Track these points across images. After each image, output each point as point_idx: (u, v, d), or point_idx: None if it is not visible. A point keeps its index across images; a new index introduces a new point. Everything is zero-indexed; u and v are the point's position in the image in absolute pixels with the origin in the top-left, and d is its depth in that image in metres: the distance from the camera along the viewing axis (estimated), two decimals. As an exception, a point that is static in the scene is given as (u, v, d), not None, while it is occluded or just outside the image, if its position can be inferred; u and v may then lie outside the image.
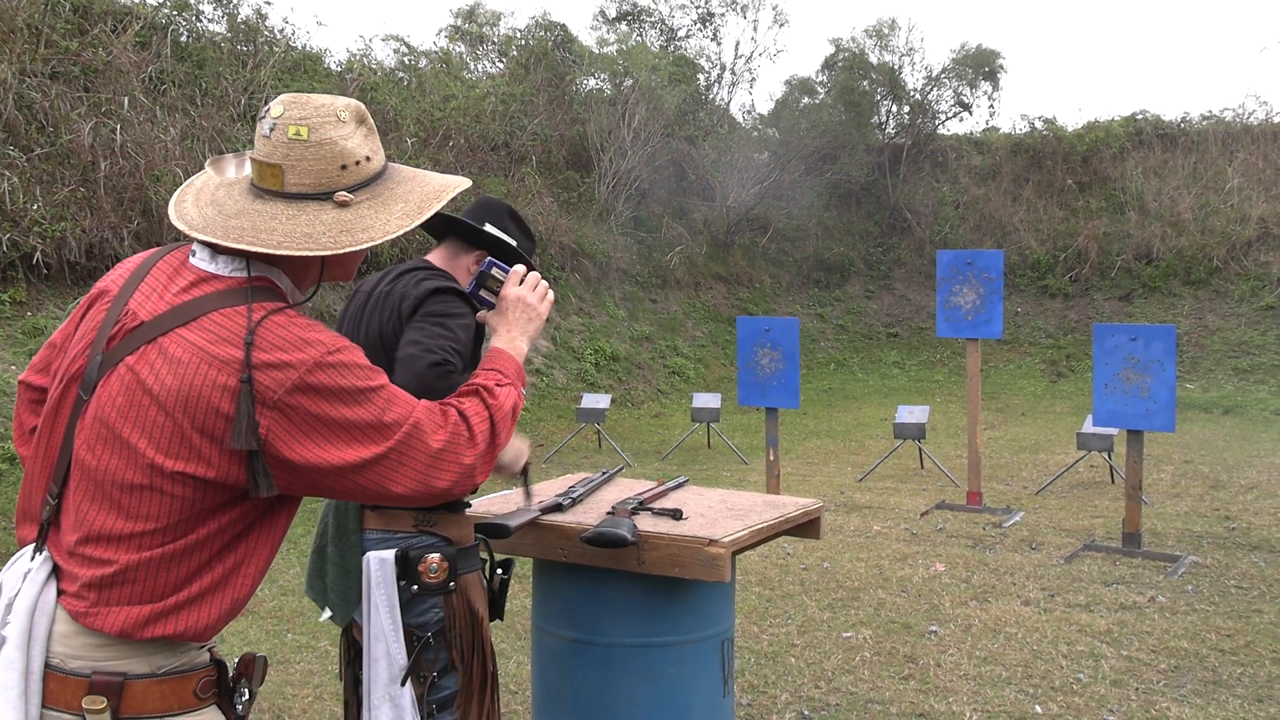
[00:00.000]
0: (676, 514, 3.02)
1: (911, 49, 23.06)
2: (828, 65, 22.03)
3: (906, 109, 22.14)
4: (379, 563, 2.48)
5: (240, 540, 1.60)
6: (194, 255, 1.63)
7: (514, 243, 2.75)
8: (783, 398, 7.57)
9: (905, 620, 5.24)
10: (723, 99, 21.30)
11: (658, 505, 3.15)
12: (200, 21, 11.85)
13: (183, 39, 11.38)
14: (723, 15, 21.21)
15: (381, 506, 2.56)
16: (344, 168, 1.63)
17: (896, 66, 21.83)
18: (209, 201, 1.64)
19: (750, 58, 22.27)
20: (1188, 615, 5.27)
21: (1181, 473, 9.56)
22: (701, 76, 20.80)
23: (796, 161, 20.14)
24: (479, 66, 18.09)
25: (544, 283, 2.04)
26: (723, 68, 21.17)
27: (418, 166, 9.81)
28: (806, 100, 21.31)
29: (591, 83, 18.13)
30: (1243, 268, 17.73)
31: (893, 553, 6.65)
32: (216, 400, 1.50)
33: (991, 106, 24.39)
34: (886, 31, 21.80)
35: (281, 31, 12.82)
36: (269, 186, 1.62)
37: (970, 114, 22.34)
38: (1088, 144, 20.61)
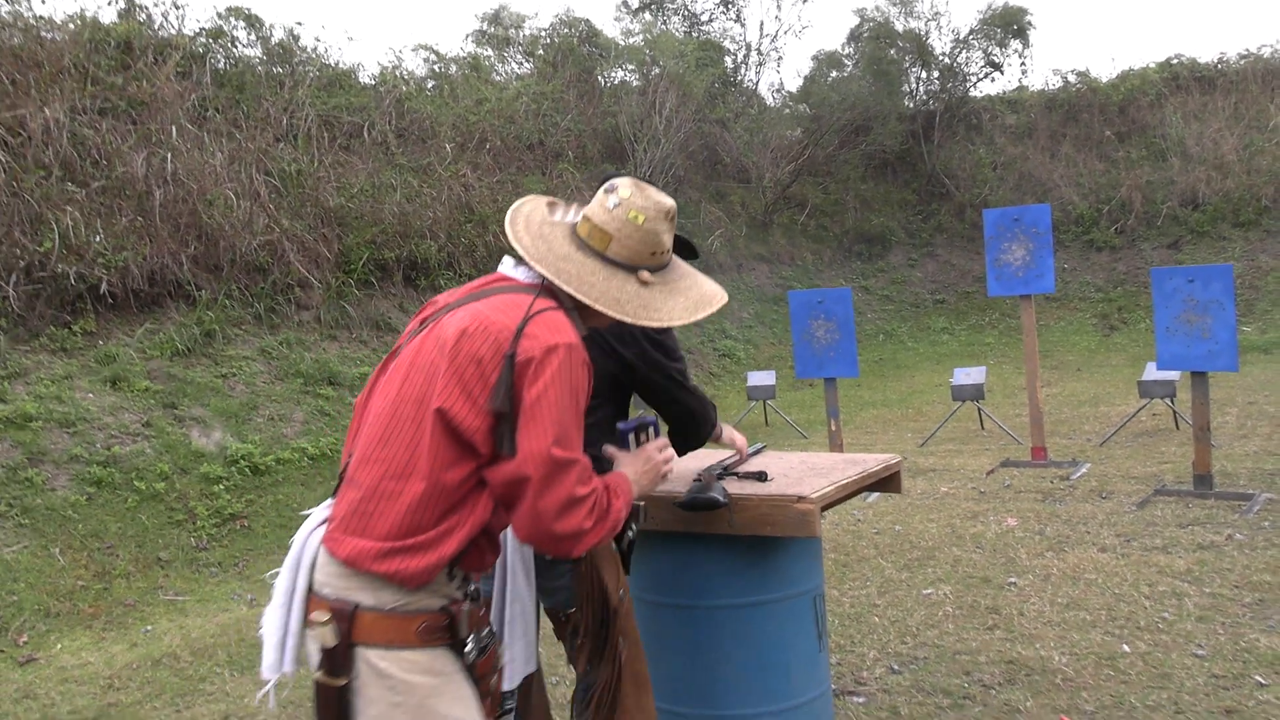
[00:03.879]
0: (761, 476, 3.11)
1: (937, 13, 23.07)
2: (853, 37, 21.92)
3: (936, 74, 21.97)
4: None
5: (458, 508, 1.83)
6: (501, 265, 2.07)
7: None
8: (841, 367, 7.63)
9: (983, 574, 5.30)
10: (751, 80, 21.31)
11: (742, 470, 3.24)
12: (236, 47, 12.09)
13: (220, 66, 11.62)
14: (744, -4, 21.18)
15: None
16: (653, 254, 2.05)
17: (923, 32, 21.67)
18: (539, 235, 2.03)
19: (775, 36, 22.21)
20: (1267, 550, 5.27)
21: (1246, 414, 9.48)
22: (728, 59, 20.80)
23: (830, 136, 20.09)
24: (507, 69, 18.23)
25: (672, 463, 2.32)
26: (748, 48, 21.16)
27: (457, 171, 9.98)
28: (835, 74, 21.20)
29: (619, 74, 18.21)
30: (1293, 205, 17.44)
31: (963, 511, 6.69)
32: (487, 355, 1.81)
33: (1023, 64, 24.18)
34: (910, -2, 21.64)
35: (314, 50, 13.04)
36: (594, 245, 2.03)
37: (1001, 73, 22.18)
38: (1123, 93, 20.35)
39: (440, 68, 15.74)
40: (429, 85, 15.05)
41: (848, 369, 7.67)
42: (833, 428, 7.77)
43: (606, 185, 2.08)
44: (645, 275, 2.03)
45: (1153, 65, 20.78)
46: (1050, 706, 3.65)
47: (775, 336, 16.51)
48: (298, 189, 10.74)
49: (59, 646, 5.48)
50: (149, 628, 5.73)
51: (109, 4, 11.30)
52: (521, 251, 1.98)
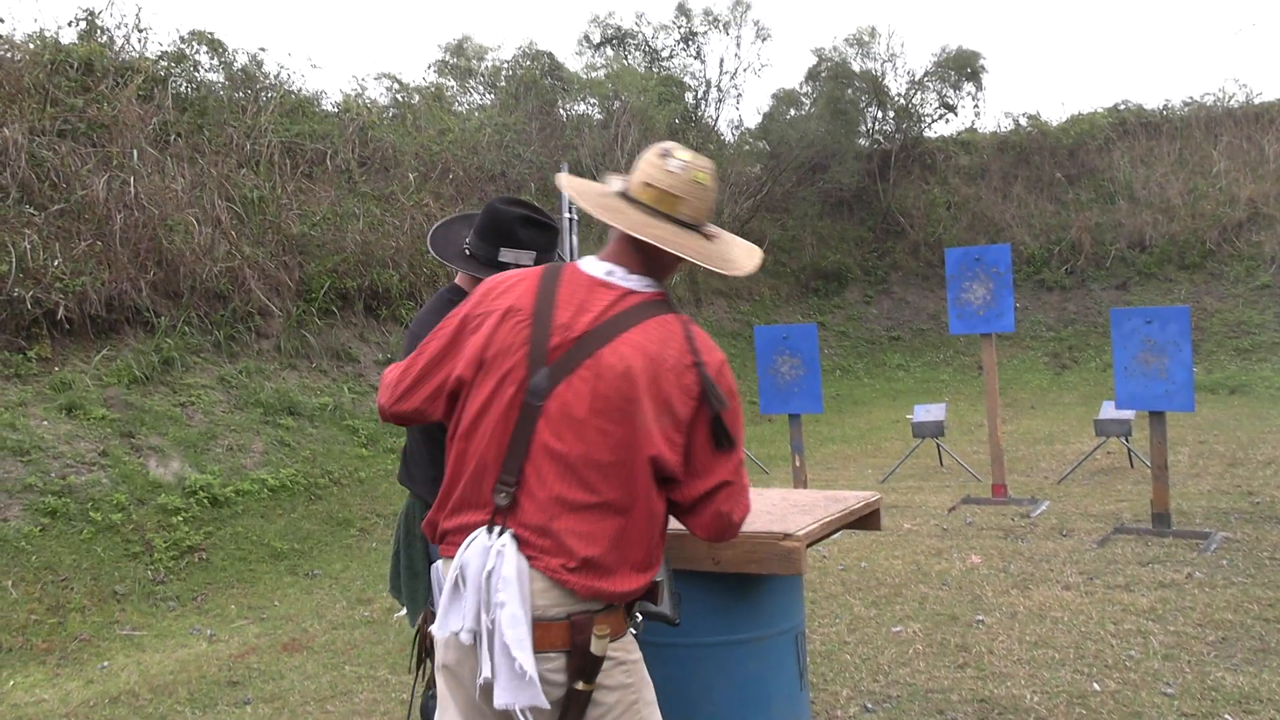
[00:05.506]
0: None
1: (893, 54, 23.29)
2: (812, 76, 22.26)
3: (891, 114, 22.35)
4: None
5: (663, 529, 2.04)
6: (610, 274, 2.07)
7: (530, 261, 2.92)
8: (806, 403, 7.69)
9: (951, 612, 5.34)
10: (711, 116, 21.51)
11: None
12: (199, 72, 12.00)
13: (182, 90, 11.52)
14: (705, 33, 21.46)
15: None
16: (709, 211, 2.14)
17: (879, 73, 22.08)
18: (607, 207, 2.07)
19: (735, 74, 22.44)
20: (1227, 589, 5.37)
21: (1198, 453, 9.67)
22: (689, 95, 20.99)
23: (788, 173, 20.33)
24: (469, 99, 18.27)
25: None
26: (709, 85, 21.39)
27: (419, 200, 10.04)
28: (793, 112, 21.50)
29: (581, 107, 18.30)
30: (1236, 249, 17.92)
31: (927, 548, 6.75)
32: (674, 395, 1.96)
33: (976, 106, 24.49)
34: (867, 39, 22.06)
35: (278, 76, 12.98)
36: (662, 209, 2.07)
37: (955, 115, 22.58)
38: (1073, 137, 20.82)
39: (403, 97, 15.73)
40: (391, 114, 15.03)
41: (812, 405, 7.73)
42: (797, 463, 7.81)
43: (660, 150, 2.11)
44: (710, 230, 2.14)
45: (1101, 110, 21.32)
46: (1025, 745, 3.68)
47: (735, 370, 16.53)
48: (259, 216, 10.64)
49: (12, 683, 5.33)
50: (105, 664, 5.60)
51: (70, 25, 11.12)
52: (628, 230, 2.03)
